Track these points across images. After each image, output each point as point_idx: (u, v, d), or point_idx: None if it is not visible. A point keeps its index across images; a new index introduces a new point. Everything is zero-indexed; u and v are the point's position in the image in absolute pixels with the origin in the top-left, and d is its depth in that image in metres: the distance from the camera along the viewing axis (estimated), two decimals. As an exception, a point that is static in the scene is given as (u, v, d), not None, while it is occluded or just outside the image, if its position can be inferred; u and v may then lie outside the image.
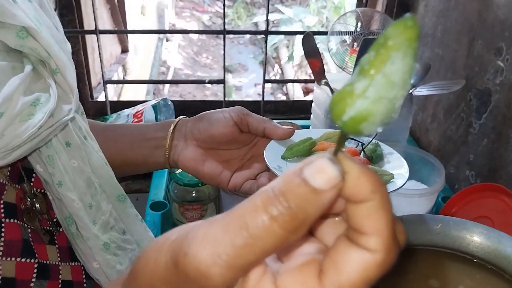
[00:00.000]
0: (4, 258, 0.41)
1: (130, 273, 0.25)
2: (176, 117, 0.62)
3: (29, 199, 0.45)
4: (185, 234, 0.22)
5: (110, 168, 0.53)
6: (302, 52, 2.64)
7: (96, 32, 1.02)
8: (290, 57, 3.05)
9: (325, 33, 1.09)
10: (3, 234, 0.41)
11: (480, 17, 0.85)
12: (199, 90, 3.28)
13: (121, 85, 1.98)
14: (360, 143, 0.62)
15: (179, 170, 0.68)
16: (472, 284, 0.54)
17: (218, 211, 0.88)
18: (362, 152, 0.61)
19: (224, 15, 1.14)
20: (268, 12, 1.17)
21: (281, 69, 3.48)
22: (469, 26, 0.89)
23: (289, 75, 3.34)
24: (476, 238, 0.55)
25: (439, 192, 0.83)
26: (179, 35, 3.89)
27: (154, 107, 0.96)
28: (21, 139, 0.37)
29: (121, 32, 1.31)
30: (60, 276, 0.47)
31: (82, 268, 0.51)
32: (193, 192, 0.82)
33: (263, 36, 3.62)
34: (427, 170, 0.87)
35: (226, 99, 1.18)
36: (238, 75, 3.49)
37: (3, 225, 0.42)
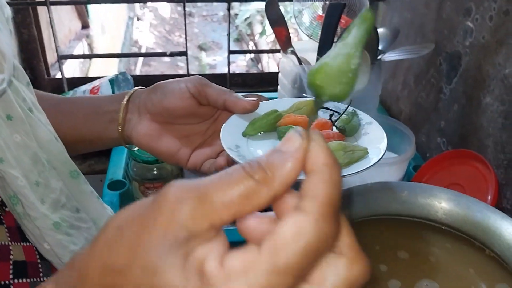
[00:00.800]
0: None
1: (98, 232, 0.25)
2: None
3: None
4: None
5: (60, 143, 0.49)
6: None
7: (47, 3, 0.95)
8: (263, 32, 2.98)
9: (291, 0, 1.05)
10: None
11: (449, -24, 0.82)
12: (173, 70, 3.20)
13: (87, 65, 1.90)
14: (333, 113, 0.57)
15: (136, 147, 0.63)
16: (443, 253, 0.52)
17: (181, 189, 0.84)
18: (334, 124, 0.55)
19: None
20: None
21: (255, 45, 3.41)
22: (437, -13, 0.86)
23: (263, 54, 3.29)
24: (445, 204, 0.52)
25: (409, 160, 0.80)
26: (151, 14, 3.78)
27: (112, 81, 0.90)
28: None
29: (74, 3, 1.23)
30: (11, 257, 0.44)
31: (35, 248, 0.47)
32: (154, 169, 0.78)
33: (236, 13, 3.52)
34: (398, 138, 0.84)
35: (194, 74, 1.13)
36: (212, 53, 3.41)
37: None
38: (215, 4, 4.16)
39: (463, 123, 0.80)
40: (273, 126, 0.52)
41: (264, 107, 0.53)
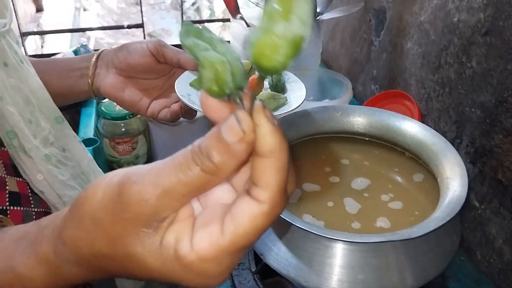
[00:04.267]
0: None
1: (72, 208, 0.29)
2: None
3: None
4: (130, 171, 0.26)
5: (47, 92, 0.56)
6: (223, 8, 2.64)
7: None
8: (212, 13, 3.07)
9: (236, -29, 1.13)
10: None
11: None
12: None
13: (40, 45, 1.91)
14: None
15: (105, 100, 0.71)
16: (374, 159, 0.63)
17: (148, 143, 0.92)
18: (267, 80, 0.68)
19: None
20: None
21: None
22: (363, -48, 0.97)
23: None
24: (370, 119, 0.64)
25: (347, 103, 0.92)
26: (97, 5, 3.76)
27: (75, 52, 0.97)
28: None
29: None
30: (7, 188, 0.50)
31: (27, 183, 0.54)
32: (122, 125, 0.86)
33: (184, 0, 3.52)
34: (338, 88, 0.96)
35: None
36: (163, 40, 3.45)
37: None
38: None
39: (391, 68, 0.93)
40: None
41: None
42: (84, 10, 3.48)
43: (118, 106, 0.85)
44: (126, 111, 0.85)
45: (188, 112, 0.64)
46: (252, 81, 0.64)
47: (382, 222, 0.55)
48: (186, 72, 0.63)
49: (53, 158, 0.54)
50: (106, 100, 0.69)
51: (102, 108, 0.85)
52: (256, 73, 0.26)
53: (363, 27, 1.01)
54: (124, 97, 0.64)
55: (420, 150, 0.59)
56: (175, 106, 0.64)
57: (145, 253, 0.26)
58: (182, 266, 0.26)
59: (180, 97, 0.58)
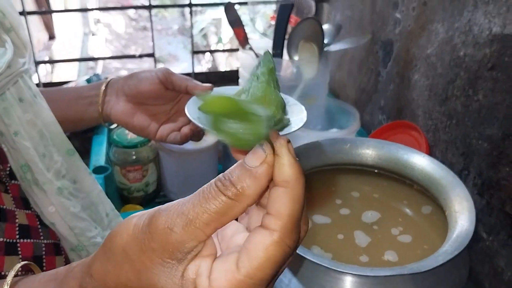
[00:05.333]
0: None
1: (103, 244, 0.30)
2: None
3: None
4: (161, 206, 0.28)
5: (59, 125, 0.58)
6: (230, 35, 2.69)
7: (24, 13, 1.03)
8: (219, 40, 3.12)
9: (246, 3, 1.17)
10: None
11: (378, -23, 0.96)
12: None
13: (50, 73, 1.94)
14: None
15: (114, 125, 0.73)
16: (383, 191, 0.64)
17: (158, 171, 0.93)
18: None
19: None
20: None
21: (213, 56, 3.53)
22: (370, -14, 1.00)
23: (220, 61, 3.41)
24: (378, 151, 0.65)
25: (355, 133, 0.93)
26: (105, 30, 3.83)
27: (88, 81, 0.99)
28: None
29: (49, 12, 1.30)
30: (17, 220, 0.51)
31: (36, 215, 0.55)
32: (133, 153, 0.87)
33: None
34: (345, 117, 0.98)
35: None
36: (169, 65, 3.51)
37: None
38: (169, 18, 4.27)
39: (398, 99, 0.94)
40: None
41: (217, 92, 0.67)
42: (93, 35, 3.54)
43: (130, 134, 0.87)
44: (138, 140, 0.86)
45: (196, 134, 0.67)
46: None
47: (389, 256, 0.55)
48: (193, 97, 0.66)
49: (65, 191, 0.55)
50: (115, 125, 0.71)
51: (114, 137, 0.86)
52: None
53: (370, 58, 1.03)
54: (134, 123, 0.66)
55: (429, 183, 0.60)
56: (186, 129, 0.66)
57: (168, 284, 0.27)
58: None
59: (192, 120, 0.60)
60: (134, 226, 0.28)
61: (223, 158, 1.00)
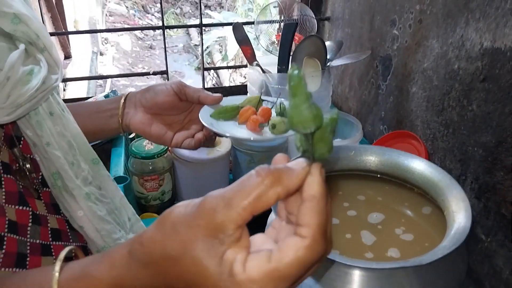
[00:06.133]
0: (7, 205, 0.50)
1: (158, 219, 0.34)
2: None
3: (20, 160, 0.54)
4: (211, 192, 0.33)
5: (84, 136, 0.63)
6: (235, 52, 2.78)
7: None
8: (225, 57, 3.20)
9: (252, 23, 1.23)
10: (3, 186, 0.50)
11: (376, -3, 1.03)
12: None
13: (63, 90, 2.01)
14: (274, 103, 0.79)
15: (132, 135, 0.79)
16: (386, 194, 0.69)
17: (173, 180, 0.99)
18: (273, 109, 0.78)
19: (162, 12, 1.25)
20: (201, 5, 1.30)
21: (217, 73, 3.61)
22: (369, 6, 1.07)
23: (225, 77, 3.49)
24: (381, 158, 0.70)
25: (358, 143, 0.98)
26: (113, 48, 3.92)
27: (106, 97, 1.05)
28: (24, 98, 0.47)
29: (70, 33, 1.37)
30: (49, 225, 0.56)
31: (65, 220, 0.60)
32: (150, 164, 0.93)
33: (196, 44, 3.70)
34: (348, 128, 1.03)
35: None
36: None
37: (2, 179, 0.50)
38: (174, 36, 4.37)
39: (398, 110, 1.00)
40: (230, 115, 0.74)
41: (226, 101, 0.75)
42: (101, 54, 3.63)
43: (147, 146, 0.93)
44: (154, 151, 0.92)
45: (209, 139, 0.74)
46: (263, 110, 0.75)
47: (392, 252, 0.60)
48: (205, 106, 0.72)
49: (92, 196, 0.60)
50: (133, 134, 0.77)
51: (133, 148, 0.92)
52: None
53: (370, 72, 1.09)
54: (152, 132, 0.72)
55: (428, 186, 0.65)
56: (199, 135, 0.73)
57: (208, 259, 0.32)
58: (233, 282, 0.31)
59: (207, 125, 0.69)
60: (185, 206, 0.33)
61: (234, 168, 1.06)
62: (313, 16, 1.17)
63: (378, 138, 1.06)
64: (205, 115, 0.71)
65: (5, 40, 0.49)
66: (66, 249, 0.42)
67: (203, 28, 1.37)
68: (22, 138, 0.55)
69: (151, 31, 4.47)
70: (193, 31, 4.27)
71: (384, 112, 1.05)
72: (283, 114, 0.74)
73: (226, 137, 0.74)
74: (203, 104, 0.73)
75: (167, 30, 4.40)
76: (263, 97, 0.78)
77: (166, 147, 0.94)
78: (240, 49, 3.34)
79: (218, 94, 0.73)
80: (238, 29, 1.11)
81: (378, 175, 0.70)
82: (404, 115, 0.98)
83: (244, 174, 1.02)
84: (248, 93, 1.14)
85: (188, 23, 4.37)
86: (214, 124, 0.70)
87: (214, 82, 3.63)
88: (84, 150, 0.62)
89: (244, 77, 3.60)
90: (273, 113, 0.75)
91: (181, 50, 4.12)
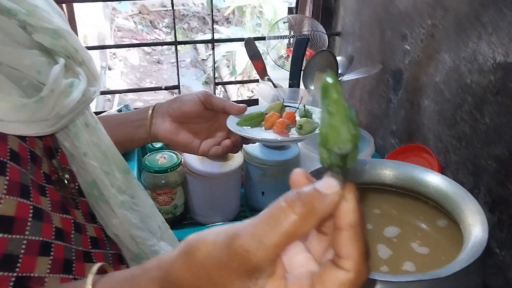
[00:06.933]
0: (53, 213, 0.51)
1: (183, 254, 0.32)
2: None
3: (59, 171, 0.55)
4: (236, 226, 0.31)
5: (115, 147, 0.64)
6: (243, 67, 2.81)
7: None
8: (233, 72, 3.22)
9: (263, 38, 1.25)
10: (47, 195, 0.51)
11: (387, 11, 1.04)
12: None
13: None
14: (297, 108, 0.81)
15: (159, 144, 0.81)
16: (400, 208, 0.69)
17: (185, 194, 0.99)
18: (298, 113, 0.81)
19: (174, 28, 1.27)
20: (212, 21, 1.32)
21: (224, 87, 3.64)
22: (379, 20, 1.08)
23: (232, 92, 3.51)
24: (395, 172, 0.70)
25: (370, 157, 0.99)
26: (121, 63, 3.97)
27: (119, 111, 1.07)
28: (66, 110, 0.48)
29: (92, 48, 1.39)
30: (88, 233, 0.58)
31: (101, 228, 0.61)
32: (163, 178, 0.93)
33: (203, 58, 3.73)
34: (359, 142, 1.03)
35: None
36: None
37: (46, 188, 0.52)
38: (182, 51, 4.41)
39: (410, 124, 1.00)
40: (256, 122, 0.77)
41: (250, 109, 0.78)
42: (109, 69, 3.67)
43: (159, 160, 0.94)
44: (167, 165, 0.92)
45: (236, 145, 0.77)
46: (287, 114, 0.77)
47: (408, 266, 0.60)
48: (231, 116, 0.76)
49: (126, 204, 0.61)
50: (159, 144, 0.77)
51: (146, 162, 0.93)
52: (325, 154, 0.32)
53: (381, 86, 1.10)
54: (179, 140, 0.75)
55: (443, 199, 0.65)
56: (227, 142, 0.75)
57: None
58: None
59: (234, 131, 0.72)
60: (213, 244, 0.31)
61: (245, 181, 1.06)
62: (324, 31, 1.19)
63: (389, 152, 1.06)
64: (232, 124, 0.74)
65: (45, 54, 0.50)
66: (98, 265, 0.42)
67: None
68: (60, 150, 0.57)
69: (159, 45, 4.52)
70: (201, 46, 4.31)
71: (396, 126, 1.06)
72: (307, 116, 0.77)
73: (256, 140, 0.77)
74: (228, 113, 0.75)
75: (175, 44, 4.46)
76: (285, 103, 0.81)
77: (179, 161, 0.95)
78: (248, 64, 3.36)
79: (243, 104, 0.75)
80: (250, 44, 1.13)
81: (393, 189, 0.70)
82: (415, 129, 0.98)
83: (256, 188, 1.04)
84: (259, 107, 1.15)
85: (196, 38, 4.41)
86: (242, 131, 0.73)
87: (221, 96, 3.66)
88: (117, 160, 0.63)
89: (251, 91, 3.62)
90: (297, 117, 0.78)
91: (189, 64, 4.15)
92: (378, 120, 1.13)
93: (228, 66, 3.71)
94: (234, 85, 3.50)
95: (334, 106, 0.29)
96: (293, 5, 1.48)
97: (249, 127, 0.76)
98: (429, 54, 0.91)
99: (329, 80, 0.29)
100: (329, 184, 0.30)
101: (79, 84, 0.51)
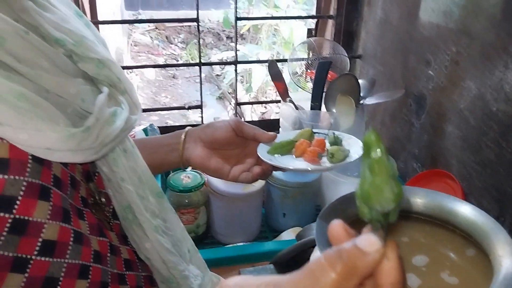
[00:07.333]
0: (91, 236, 0.52)
1: None
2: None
3: (96, 194, 0.56)
4: (276, 279, 0.31)
5: (150, 171, 0.65)
6: (259, 84, 2.84)
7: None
8: (248, 89, 3.25)
9: (285, 60, 1.26)
10: (85, 218, 0.53)
11: (410, 36, 1.05)
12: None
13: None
14: (326, 135, 0.81)
15: (189, 168, 0.82)
16: (428, 236, 0.69)
17: (208, 213, 1.00)
18: (327, 140, 0.81)
19: (199, 49, 1.29)
20: (236, 43, 1.34)
21: (239, 106, 3.68)
22: (402, 44, 1.09)
23: (246, 108, 3.53)
24: (423, 199, 0.70)
25: (393, 180, 0.99)
26: (137, 77, 4.02)
27: (145, 131, 1.08)
28: (110, 138, 0.49)
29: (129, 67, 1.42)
30: (122, 255, 0.58)
31: (133, 251, 0.61)
32: (186, 197, 0.94)
33: (218, 74, 3.78)
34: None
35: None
36: (198, 111, 3.63)
37: (84, 212, 0.53)
38: (196, 67, 4.47)
39: (432, 149, 1.00)
40: (286, 150, 0.77)
41: (279, 136, 0.78)
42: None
43: (184, 180, 0.95)
44: (191, 185, 0.93)
45: (266, 173, 0.77)
46: (317, 142, 0.78)
47: (437, 296, 0.60)
48: (261, 144, 0.77)
49: (159, 229, 0.61)
50: (189, 168, 0.78)
51: (171, 182, 0.94)
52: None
53: (403, 109, 1.10)
54: (211, 166, 0.76)
55: (471, 229, 0.64)
56: (257, 169, 0.76)
57: None
58: None
59: (267, 161, 0.73)
60: None
61: (266, 202, 1.06)
62: (346, 54, 1.20)
63: (411, 176, 1.06)
64: (263, 152, 0.75)
65: (88, 83, 0.52)
66: None
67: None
68: (97, 173, 0.58)
69: (174, 60, 4.57)
70: (213, 59, 4.35)
71: (418, 150, 1.06)
72: (337, 143, 0.78)
73: (288, 170, 0.76)
74: (259, 141, 0.77)
75: (190, 59, 4.51)
76: (314, 130, 0.81)
77: (203, 181, 0.96)
78: (263, 82, 3.37)
79: (273, 133, 0.77)
80: (272, 66, 1.14)
81: (422, 217, 0.70)
82: (439, 154, 0.98)
83: (277, 209, 1.04)
84: (280, 128, 1.16)
85: (211, 54, 4.45)
86: (273, 159, 0.74)
87: (235, 111, 3.69)
88: (151, 183, 0.64)
89: (264, 107, 3.64)
90: (327, 144, 0.78)
91: (204, 80, 4.20)
92: (399, 143, 1.14)
93: (242, 82, 3.75)
94: (246, 100, 3.52)
95: (377, 166, 0.29)
96: (312, 26, 1.50)
97: (280, 155, 0.76)
98: (453, 80, 0.92)
99: (372, 137, 0.29)
100: (370, 241, 0.29)
101: (121, 112, 0.52)
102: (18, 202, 0.44)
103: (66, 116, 0.48)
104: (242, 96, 3.40)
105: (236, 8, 1.29)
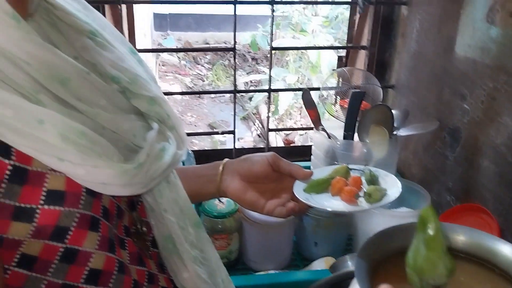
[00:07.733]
0: (130, 265, 0.54)
1: None
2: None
3: (138, 223, 0.58)
4: None
5: (190, 202, 0.67)
6: (285, 107, 2.87)
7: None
8: (275, 112, 3.28)
9: (318, 88, 1.28)
10: (127, 248, 0.55)
11: (445, 70, 1.06)
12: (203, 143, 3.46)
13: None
14: (362, 171, 0.81)
15: (224, 199, 0.83)
16: (467, 274, 0.68)
17: (240, 240, 1.01)
18: (363, 177, 0.79)
19: (235, 77, 1.33)
20: (271, 68, 1.36)
21: (261, 123, 3.70)
22: (436, 77, 1.10)
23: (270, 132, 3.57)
24: (463, 237, 0.70)
25: (426, 213, 0.99)
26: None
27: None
28: (158, 173, 0.52)
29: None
30: (160, 283, 0.60)
31: (170, 279, 0.63)
32: (220, 223, 0.96)
33: (243, 94, 3.84)
34: (415, 197, 1.04)
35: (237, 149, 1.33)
36: (221, 130, 3.71)
37: (125, 241, 0.55)
38: (222, 86, 4.53)
39: (467, 182, 1.00)
40: (322, 188, 0.76)
41: (315, 173, 0.78)
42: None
43: (218, 205, 0.96)
44: (226, 211, 0.95)
45: (302, 210, 0.77)
46: (354, 180, 0.77)
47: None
48: (297, 181, 0.77)
49: (197, 259, 0.63)
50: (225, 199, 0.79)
51: (205, 207, 0.96)
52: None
53: (437, 141, 1.11)
54: (247, 199, 0.76)
55: (511, 268, 0.64)
56: (291, 204, 0.76)
57: None
58: None
59: (304, 201, 0.72)
60: None
61: (298, 230, 1.07)
62: (379, 84, 1.21)
63: (444, 209, 1.05)
64: (299, 191, 0.75)
65: (139, 118, 0.54)
66: None
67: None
68: (140, 202, 0.60)
69: (200, 80, 4.65)
70: (240, 81, 4.41)
71: (452, 183, 1.06)
72: (373, 181, 0.77)
73: (325, 211, 0.76)
74: (295, 178, 0.77)
75: (216, 80, 4.59)
76: (350, 166, 0.81)
77: (237, 207, 0.97)
78: (289, 105, 3.39)
79: (309, 170, 0.77)
80: (306, 94, 1.16)
81: (462, 255, 0.70)
82: (473, 188, 0.98)
83: (308, 238, 1.05)
84: (312, 156, 1.17)
85: (237, 76, 4.52)
86: (309, 198, 0.73)
87: (258, 132, 3.71)
88: (191, 214, 0.65)
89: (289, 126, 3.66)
90: (364, 182, 0.77)
91: (228, 100, 4.25)
92: (432, 175, 1.13)
93: (266, 103, 3.79)
94: (274, 123, 3.55)
95: (432, 242, 0.31)
96: (342, 53, 1.52)
97: (316, 193, 0.76)
98: (490, 115, 0.92)
99: (429, 213, 0.30)
100: None
101: (169, 148, 0.54)
102: (70, 233, 0.47)
103: (119, 151, 0.50)
104: (265, 120, 3.44)
105: (271, 37, 1.32)
